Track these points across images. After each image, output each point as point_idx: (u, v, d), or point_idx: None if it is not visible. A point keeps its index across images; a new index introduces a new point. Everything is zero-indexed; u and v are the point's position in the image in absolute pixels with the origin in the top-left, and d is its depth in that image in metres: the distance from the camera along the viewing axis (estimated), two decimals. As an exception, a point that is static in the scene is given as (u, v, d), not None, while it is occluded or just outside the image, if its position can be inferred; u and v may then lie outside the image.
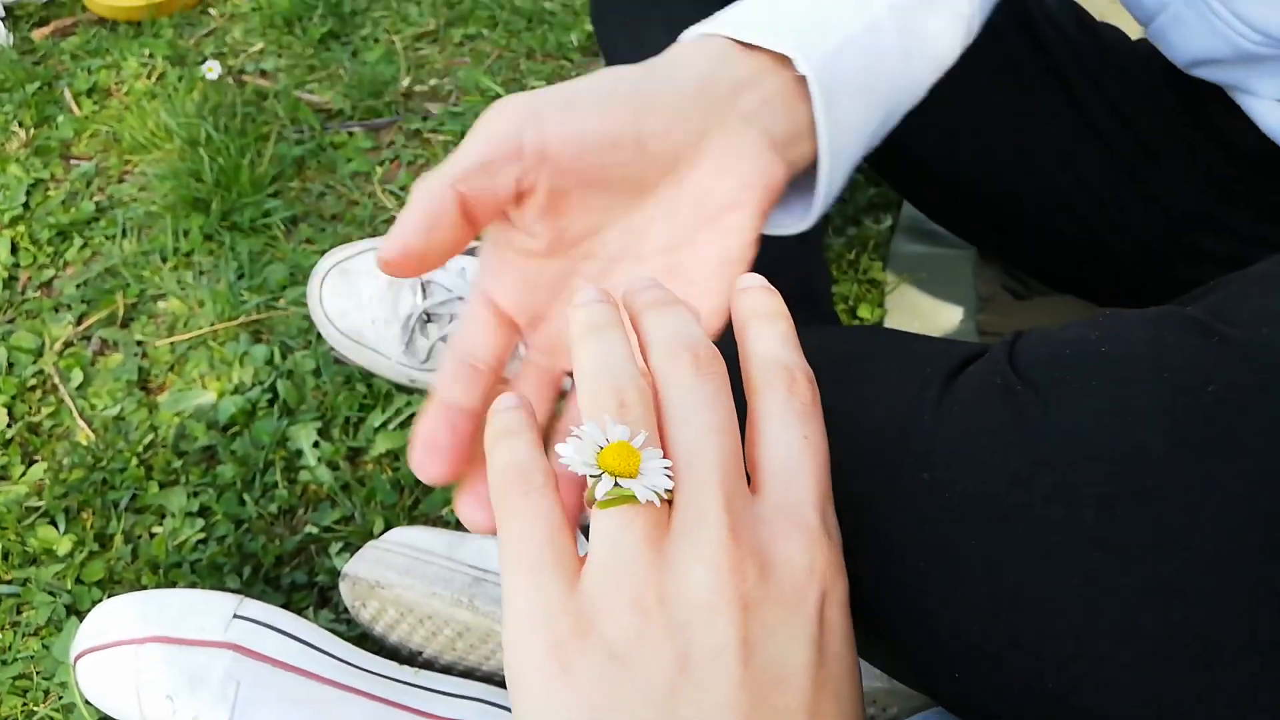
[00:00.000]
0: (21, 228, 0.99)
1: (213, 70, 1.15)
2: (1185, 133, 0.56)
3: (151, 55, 1.21)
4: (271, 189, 1.00)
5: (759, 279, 0.28)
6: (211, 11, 1.29)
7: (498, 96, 1.09)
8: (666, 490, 0.22)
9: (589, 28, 1.19)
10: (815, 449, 0.24)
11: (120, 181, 1.04)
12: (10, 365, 0.86)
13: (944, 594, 0.25)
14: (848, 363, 0.35)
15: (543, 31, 1.18)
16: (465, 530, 0.65)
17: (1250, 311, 0.25)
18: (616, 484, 0.21)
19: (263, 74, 1.17)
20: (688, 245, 0.33)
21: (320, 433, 0.78)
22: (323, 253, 0.86)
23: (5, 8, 1.35)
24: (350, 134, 1.07)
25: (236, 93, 1.12)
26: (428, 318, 0.77)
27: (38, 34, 1.31)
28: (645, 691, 0.20)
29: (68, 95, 1.17)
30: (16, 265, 0.96)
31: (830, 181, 0.36)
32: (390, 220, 0.97)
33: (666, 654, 0.20)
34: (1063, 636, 0.23)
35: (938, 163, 0.63)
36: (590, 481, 0.22)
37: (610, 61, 0.67)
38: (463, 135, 1.03)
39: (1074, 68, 0.59)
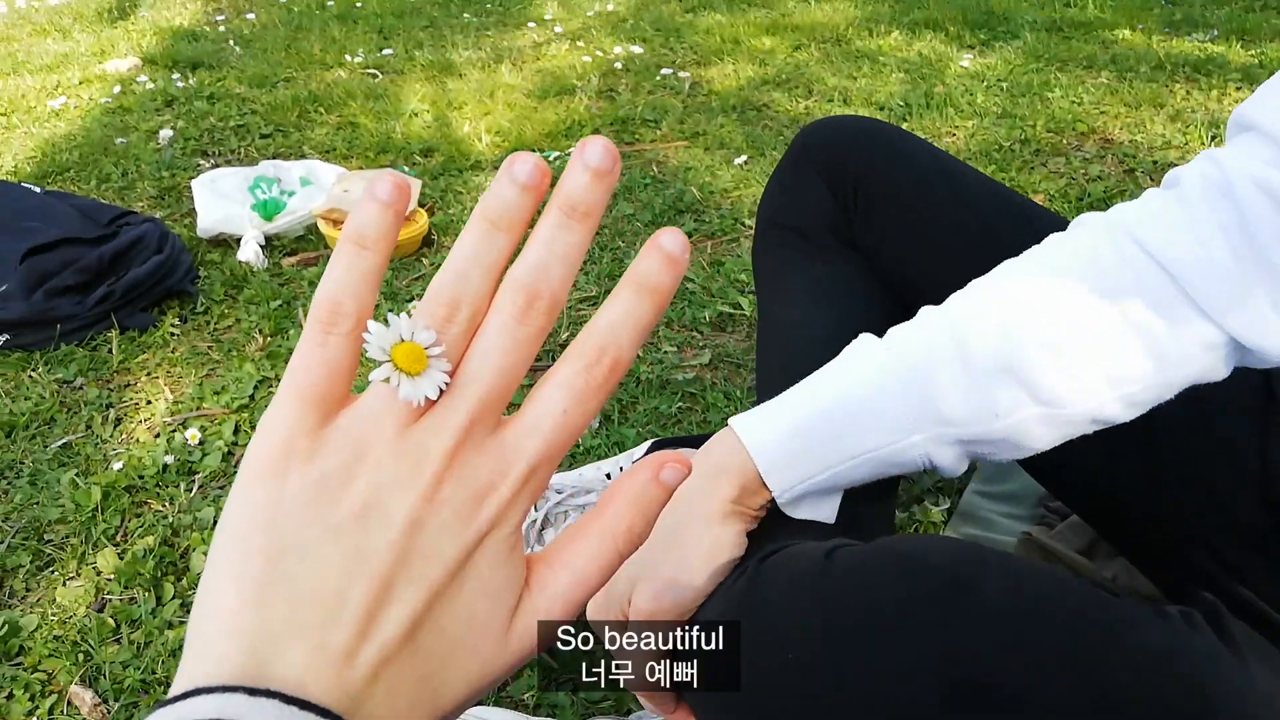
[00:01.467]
0: (245, 415, 1.24)
1: (416, 309, 1.43)
2: None
3: (370, 289, 1.50)
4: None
5: (681, 242, 0.27)
6: (424, 261, 1.61)
7: (637, 356, 1.30)
8: (428, 398, 0.26)
9: (720, 307, 1.41)
10: (568, 424, 0.27)
11: (328, 387, 1.29)
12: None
13: None
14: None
15: (682, 306, 1.41)
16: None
17: None
18: (390, 378, 0.25)
19: (452, 314, 1.44)
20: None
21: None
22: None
23: (266, 237, 1.71)
24: (512, 371, 1.30)
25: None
26: (545, 523, 0.94)
27: (286, 261, 1.65)
28: (325, 516, 0.25)
29: (300, 314, 1.46)
30: (235, 444, 1.20)
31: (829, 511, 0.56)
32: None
33: (356, 500, 0.25)
34: None
35: (1103, 480, 0.68)
36: (377, 364, 0.25)
37: (759, 295, 0.82)
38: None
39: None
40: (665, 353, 1.32)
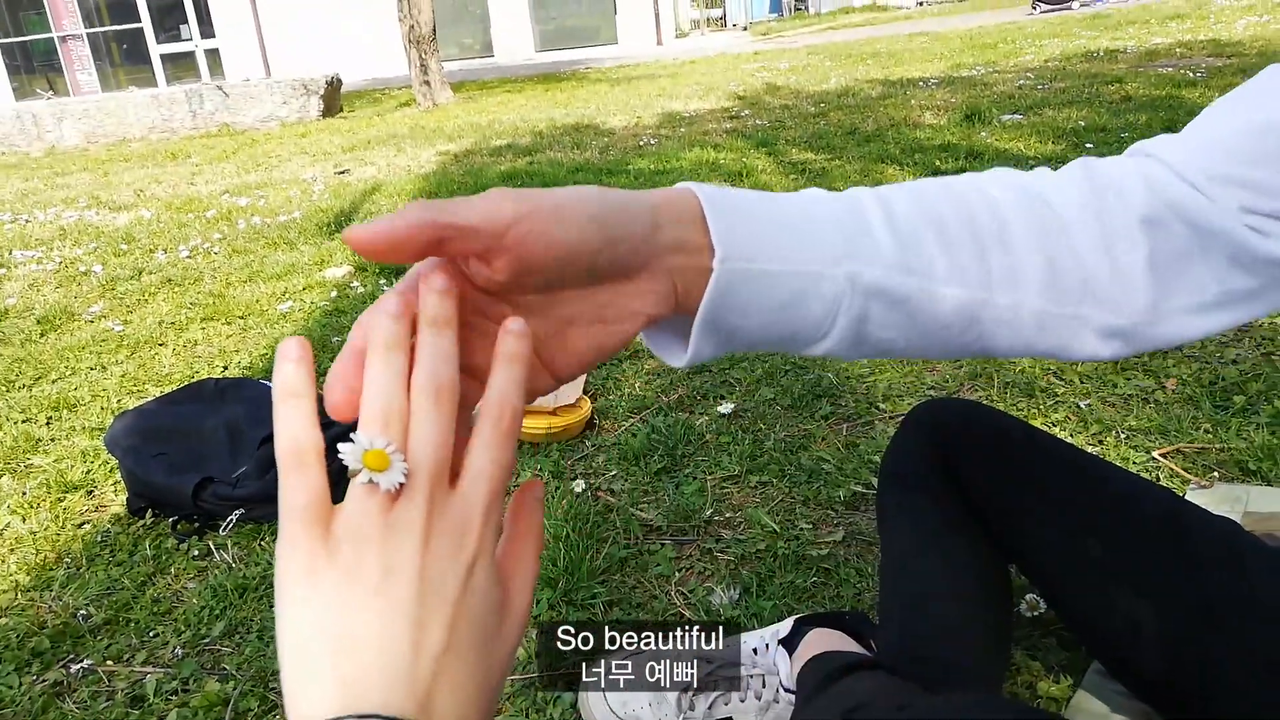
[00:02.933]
0: (434, 579, 1.43)
1: (579, 486, 1.62)
2: None
3: (541, 469, 1.71)
4: (600, 578, 1.37)
5: (521, 324, 0.39)
6: (586, 443, 1.81)
7: (774, 532, 1.43)
8: (401, 484, 0.34)
9: (854, 487, 1.52)
10: (498, 469, 0.36)
11: (502, 557, 1.47)
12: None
13: None
14: None
15: (818, 486, 1.53)
16: None
17: None
18: (371, 478, 0.33)
19: (611, 492, 1.62)
20: (578, 326, 0.43)
21: (597, 768, 1.04)
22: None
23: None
24: (662, 545, 1.44)
25: (591, 504, 1.56)
26: (698, 689, 1.05)
27: (470, 444, 1.89)
28: (364, 587, 0.33)
29: (481, 491, 1.68)
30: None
31: (697, 348, 0.45)
32: (677, 615, 1.29)
33: (375, 572, 0.33)
34: None
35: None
36: (355, 472, 0.34)
37: (880, 531, 1.01)
38: (742, 559, 1.36)
39: None
40: (801, 529, 1.43)
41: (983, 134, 4.54)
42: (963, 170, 3.78)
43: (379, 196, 4.69)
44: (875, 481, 1.52)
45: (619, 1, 17.54)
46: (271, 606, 1.39)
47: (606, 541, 1.45)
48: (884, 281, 0.47)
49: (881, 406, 1.81)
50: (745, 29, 20.03)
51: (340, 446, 0.34)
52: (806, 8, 21.74)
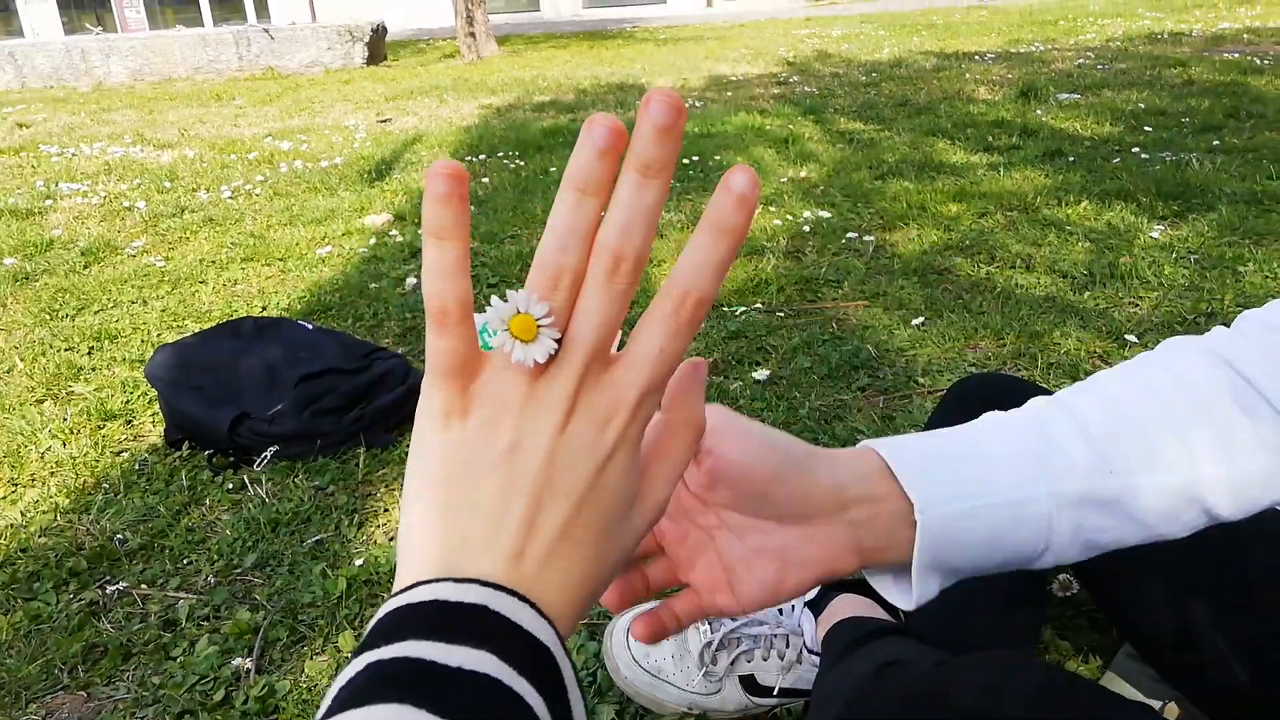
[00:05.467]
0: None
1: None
2: None
3: (572, 425, 1.71)
4: (628, 535, 1.37)
5: (749, 180, 0.30)
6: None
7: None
8: (538, 361, 0.31)
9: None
10: (665, 358, 0.32)
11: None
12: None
13: None
14: None
15: (852, 457, 1.51)
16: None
17: None
18: (508, 346, 0.31)
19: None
20: (764, 558, 0.46)
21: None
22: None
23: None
24: (691, 506, 1.44)
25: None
26: (720, 645, 1.04)
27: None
28: (488, 452, 0.31)
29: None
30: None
31: (921, 591, 0.48)
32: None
33: (506, 437, 0.31)
34: None
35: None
36: (497, 333, 0.31)
37: None
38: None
39: None
40: (833, 500, 1.42)
41: (1038, 112, 4.43)
42: (1015, 147, 3.70)
43: (420, 147, 4.68)
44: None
45: (670, -39, 17.27)
46: (303, 541, 1.41)
47: (636, 499, 1.45)
48: (1088, 491, 0.51)
49: (920, 381, 1.78)
50: (797, -6, 19.65)
51: (493, 301, 0.31)
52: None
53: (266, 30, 9.43)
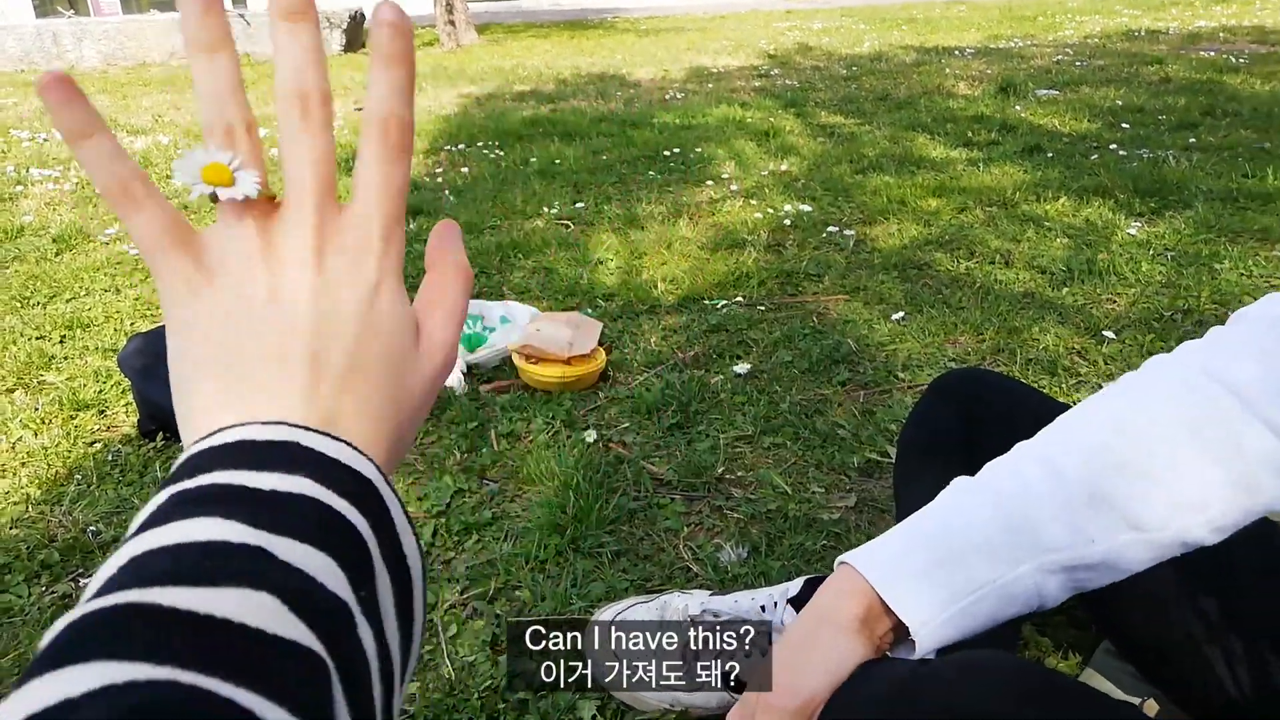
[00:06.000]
0: (442, 519, 1.43)
1: (590, 436, 1.61)
2: None
3: (553, 417, 1.70)
4: (609, 528, 1.36)
5: (394, 9, 0.31)
6: (599, 394, 1.80)
7: (786, 494, 1.42)
8: (248, 196, 0.30)
9: (868, 454, 1.50)
10: (392, 184, 0.32)
11: (512, 501, 1.47)
12: (412, 611, 1.25)
13: None
14: None
15: (832, 450, 1.52)
16: None
17: None
18: (214, 192, 0.30)
19: (623, 444, 1.61)
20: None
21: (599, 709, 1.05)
22: (632, 582, 1.18)
23: (468, 366, 1.96)
24: (672, 499, 1.44)
25: (602, 455, 1.55)
26: (700, 642, 1.04)
27: (484, 388, 1.88)
28: (243, 310, 0.30)
29: (492, 435, 1.67)
30: (432, 545, 1.39)
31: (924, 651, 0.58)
32: (684, 569, 1.28)
33: (261, 291, 0.30)
34: None
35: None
36: (191, 188, 0.30)
37: (896, 493, 0.99)
38: (752, 518, 1.36)
39: None
40: (813, 492, 1.42)
41: (1017, 108, 4.46)
42: (994, 143, 3.72)
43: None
44: (891, 450, 1.51)
45: (652, -49, 17.19)
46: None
47: (616, 492, 1.45)
48: (1072, 560, 0.57)
49: (901, 376, 1.79)
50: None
51: (174, 164, 0.31)
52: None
53: (243, 16, 9.30)
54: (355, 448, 0.29)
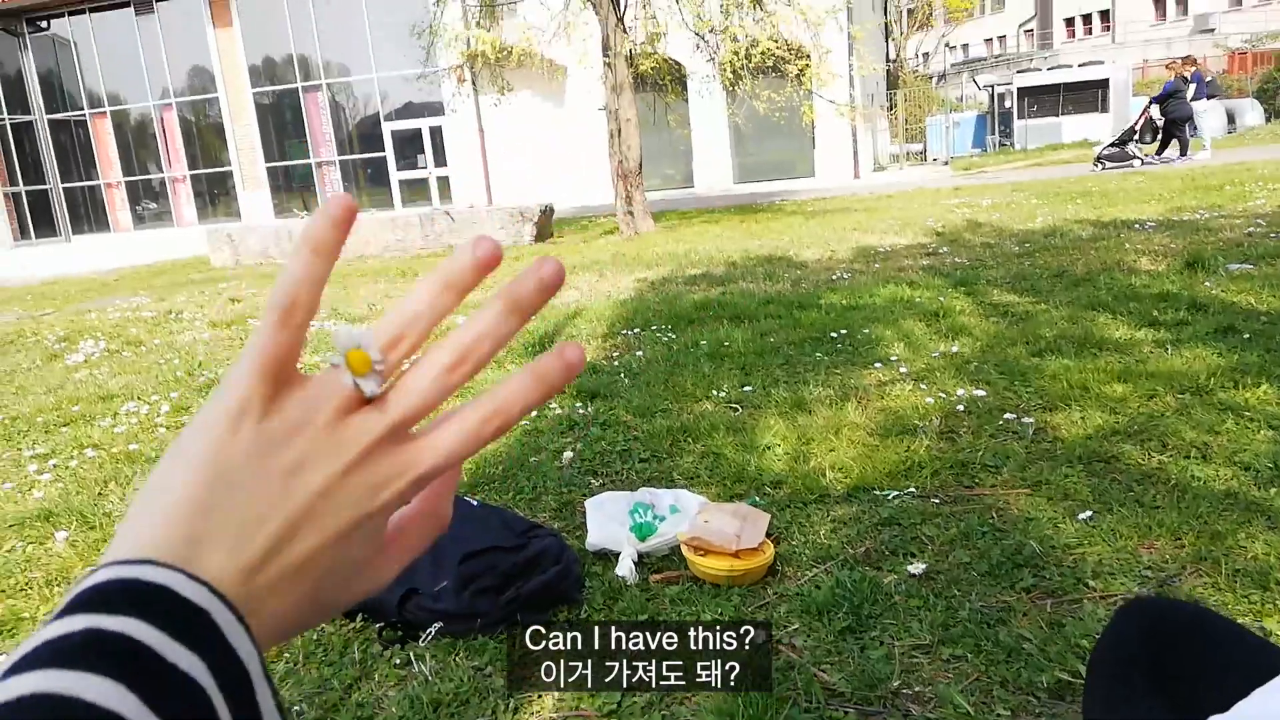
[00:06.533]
0: (613, 718, 1.45)
1: (759, 637, 1.60)
2: None
3: (721, 613, 1.71)
4: (779, 739, 1.34)
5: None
6: (768, 589, 1.80)
7: (969, 715, 1.35)
8: (363, 390, 0.32)
9: (1058, 673, 1.42)
10: (455, 458, 0.34)
11: (681, 704, 1.47)
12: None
13: None
14: None
15: (1017, 667, 1.44)
16: None
17: None
18: (338, 365, 0.32)
19: (793, 647, 1.59)
20: None
21: None
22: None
23: (639, 554, 2.01)
24: (845, 713, 1.40)
25: (772, 659, 1.54)
26: None
27: (654, 578, 1.92)
28: (262, 464, 0.31)
29: (663, 629, 1.69)
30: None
31: None
32: (860, 791, 1.24)
33: (289, 460, 0.31)
34: None
35: None
36: (336, 358, 0.33)
37: None
38: (931, 739, 1.30)
39: None
40: (998, 715, 1.35)
41: (1207, 284, 4.26)
42: (1183, 323, 3.55)
43: (580, 320, 4.96)
44: (1083, 669, 1.42)
45: (818, 136, 17.99)
46: (459, 725, 1.45)
47: (787, 702, 1.43)
48: None
49: (1091, 584, 1.69)
50: (946, 163, 19.94)
51: (334, 325, 0.35)
52: (1012, 144, 21.43)
53: (448, 213, 10.39)
54: (250, 635, 0.30)
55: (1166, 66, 13.90)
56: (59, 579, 2.19)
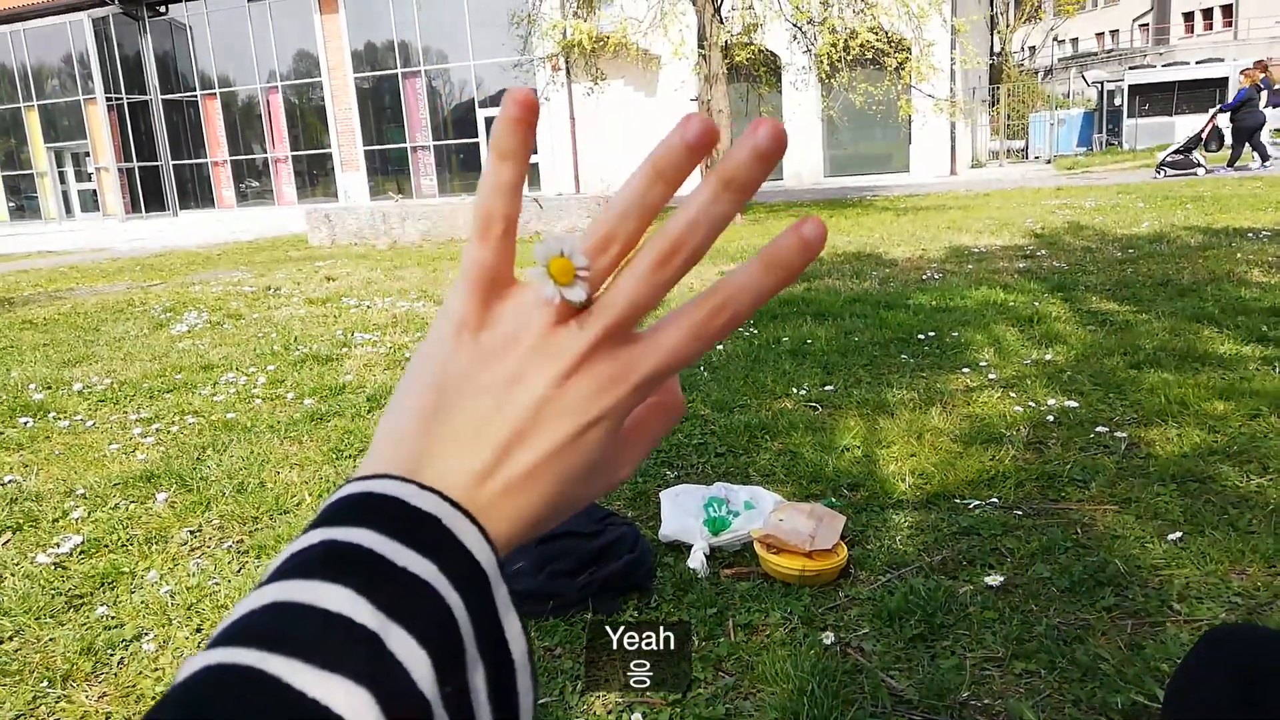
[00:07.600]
0: (677, 710, 1.47)
1: (828, 638, 1.60)
2: None
3: (791, 613, 1.71)
4: (842, 742, 1.34)
5: (819, 229, 0.31)
6: (840, 592, 1.79)
7: (1038, 730, 1.33)
8: (567, 300, 0.31)
9: (1134, 696, 1.38)
10: (684, 354, 0.32)
11: (745, 699, 1.49)
12: (643, 801, 1.28)
13: None
14: None
15: (1092, 687, 1.41)
16: None
17: None
18: (545, 279, 0.31)
19: (861, 651, 1.59)
20: None
21: None
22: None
23: (710, 548, 2.03)
24: None
25: (840, 661, 1.54)
26: None
27: (724, 573, 1.93)
28: (482, 376, 0.32)
29: (730, 624, 1.71)
30: (666, 732, 1.42)
31: None
32: (922, 800, 1.23)
33: (508, 370, 0.32)
34: None
35: None
36: (537, 267, 0.32)
37: None
38: (999, 753, 1.28)
39: None
40: (1070, 734, 1.32)
41: (1326, 299, 4.03)
42: (1297, 340, 3.37)
43: (661, 311, 4.96)
44: (1160, 694, 1.37)
45: (914, 130, 17.59)
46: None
47: (853, 705, 1.42)
48: None
49: (1176, 607, 1.64)
50: (1049, 162, 19.24)
51: (542, 236, 0.35)
52: (1120, 143, 20.52)
53: (536, 200, 10.54)
54: (486, 536, 0.31)
55: (1241, 73, 13.17)
56: (157, 537, 2.32)
